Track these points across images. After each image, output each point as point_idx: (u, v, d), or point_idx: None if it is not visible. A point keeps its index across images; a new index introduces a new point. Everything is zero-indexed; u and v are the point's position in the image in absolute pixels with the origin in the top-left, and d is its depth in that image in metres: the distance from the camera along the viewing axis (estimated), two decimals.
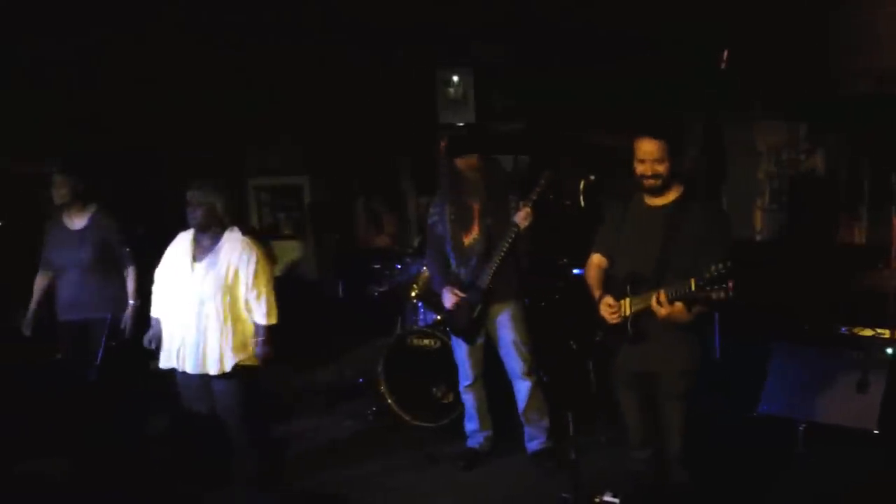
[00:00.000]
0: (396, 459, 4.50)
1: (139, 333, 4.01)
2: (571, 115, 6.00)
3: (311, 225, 7.26)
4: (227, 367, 3.68)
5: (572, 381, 4.93)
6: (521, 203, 4.05)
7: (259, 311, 3.75)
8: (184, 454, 4.33)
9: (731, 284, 2.84)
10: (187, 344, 3.70)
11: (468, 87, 6.35)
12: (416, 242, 6.00)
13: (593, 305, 3.39)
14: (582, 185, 5.01)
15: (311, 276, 7.23)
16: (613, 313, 3.27)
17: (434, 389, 4.85)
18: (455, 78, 6.36)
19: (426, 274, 5.01)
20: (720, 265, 2.83)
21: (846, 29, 5.07)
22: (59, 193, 4.33)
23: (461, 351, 4.32)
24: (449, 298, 4.20)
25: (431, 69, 6.40)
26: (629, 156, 3.26)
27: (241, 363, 3.72)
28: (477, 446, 4.44)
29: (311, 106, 6.52)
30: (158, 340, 3.83)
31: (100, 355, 4.20)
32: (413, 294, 5.22)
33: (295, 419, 5.12)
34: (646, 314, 3.15)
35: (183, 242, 3.82)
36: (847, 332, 4.66)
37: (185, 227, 3.84)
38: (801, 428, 4.26)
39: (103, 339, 4.24)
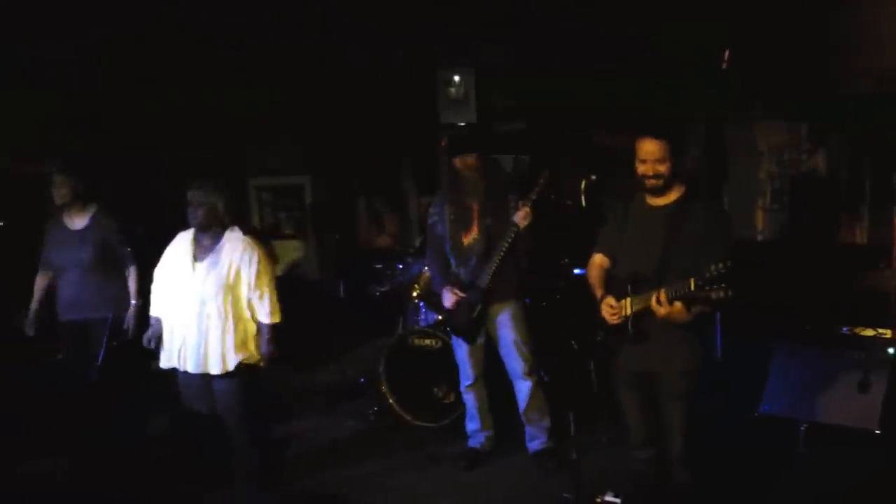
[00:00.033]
0: (397, 459, 4.51)
1: (141, 333, 4.01)
2: (573, 115, 6.01)
3: (312, 225, 7.26)
4: (230, 367, 3.68)
5: (574, 380, 4.92)
6: (520, 203, 4.05)
7: (263, 311, 3.76)
8: (184, 454, 4.34)
9: (726, 292, 2.84)
10: (188, 344, 3.70)
11: (469, 87, 6.35)
12: (417, 242, 6.01)
13: (595, 305, 3.39)
14: (583, 185, 5.00)
15: (312, 276, 7.23)
16: (614, 314, 3.27)
17: (435, 389, 4.85)
18: (456, 78, 6.36)
19: (427, 274, 5.01)
20: (720, 265, 2.83)
21: (847, 29, 5.06)
22: (60, 193, 4.33)
23: (462, 351, 4.32)
24: (449, 298, 4.21)
25: (432, 69, 6.40)
26: (631, 156, 3.26)
27: (243, 362, 3.72)
28: (478, 446, 4.44)
29: (313, 106, 6.52)
30: (158, 339, 3.83)
31: (101, 355, 4.20)
32: (414, 294, 5.21)
33: (296, 419, 5.12)
34: (647, 314, 3.15)
35: (183, 242, 3.81)
36: (848, 332, 4.65)
37: (185, 227, 3.83)
38: (802, 428, 4.26)
39: (104, 339, 4.24)
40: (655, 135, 3.16)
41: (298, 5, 5.51)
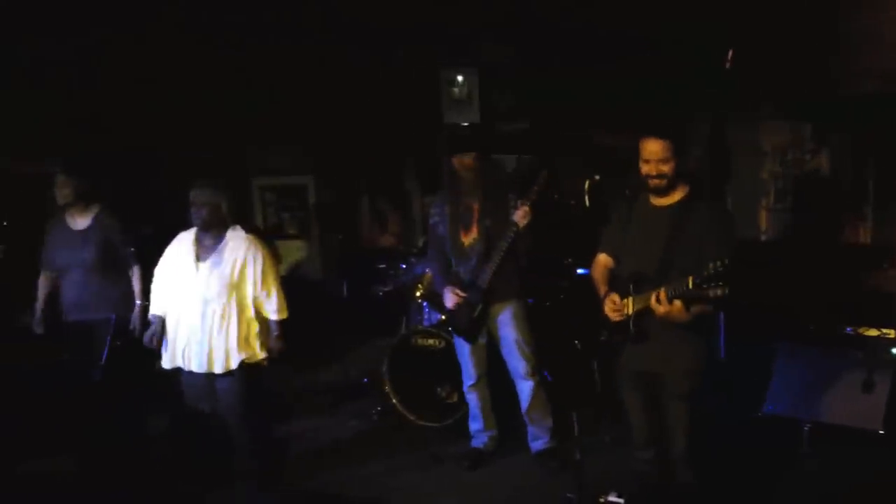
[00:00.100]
0: (400, 459, 4.50)
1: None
2: (576, 115, 5.99)
3: (315, 225, 7.26)
4: (233, 365, 3.68)
5: (577, 380, 4.92)
6: (519, 202, 4.04)
7: (271, 308, 3.78)
8: (186, 453, 4.34)
9: (723, 289, 2.84)
10: (192, 343, 3.70)
11: (473, 87, 6.33)
12: (420, 242, 5.98)
13: (598, 305, 3.39)
14: (587, 185, 5.00)
15: (315, 275, 7.22)
16: (617, 311, 3.27)
17: (438, 389, 4.85)
18: (459, 78, 6.35)
19: (430, 274, 5.00)
20: (717, 263, 2.83)
21: (850, 29, 5.05)
22: (63, 193, 4.32)
23: (464, 351, 4.31)
24: (450, 298, 4.20)
25: (435, 69, 6.39)
26: (634, 156, 3.26)
27: (245, 361, 3.72)
28: (481, 446, 4.43)
29: (317, 106, 6.51)
30: (159, 338, 3.82)
31: (104, 355, 4.20)
32: (418, 294, 5.21)
33: (299, 419, 5.12)
34: (648, 313, 3.15)
35: (184, 242, 3.80)
36: (852, 332, 4.66)
37: (186, 227, 3.83)
38: (805, 428, 4.25)
39: (108, 339, 4.23)
40: (659, 135, 3.17)
41: (298, 5, 5.50)
